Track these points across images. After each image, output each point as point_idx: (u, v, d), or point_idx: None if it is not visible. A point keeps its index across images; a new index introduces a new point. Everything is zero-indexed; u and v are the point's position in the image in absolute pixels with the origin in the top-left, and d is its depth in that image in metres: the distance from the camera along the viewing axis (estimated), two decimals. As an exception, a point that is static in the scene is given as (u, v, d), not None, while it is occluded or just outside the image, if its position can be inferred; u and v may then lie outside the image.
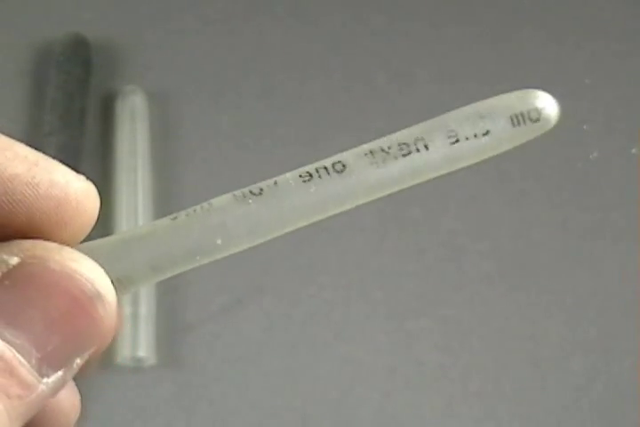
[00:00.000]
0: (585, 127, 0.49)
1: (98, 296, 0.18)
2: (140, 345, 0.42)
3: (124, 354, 0.41)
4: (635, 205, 0.47)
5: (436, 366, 0.42)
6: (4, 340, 0.16)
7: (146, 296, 0.43)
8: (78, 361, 0.18)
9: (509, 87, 0.52)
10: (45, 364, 0.17)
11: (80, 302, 0.17)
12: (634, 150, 0.48)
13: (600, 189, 0.47)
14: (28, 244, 0.18)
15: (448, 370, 0.42)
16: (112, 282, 0.18)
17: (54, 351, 0.17)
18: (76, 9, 0.51)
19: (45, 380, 0.17)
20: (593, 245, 0.45)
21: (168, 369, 0.42)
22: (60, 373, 0.17)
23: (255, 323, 0.43)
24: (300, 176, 0.19)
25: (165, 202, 0.45)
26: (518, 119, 0.20)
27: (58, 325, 0.17)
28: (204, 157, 0.47)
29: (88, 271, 0.18)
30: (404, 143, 0.19)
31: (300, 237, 0.45)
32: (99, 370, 0.42)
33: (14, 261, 0.17)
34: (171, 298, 0.43)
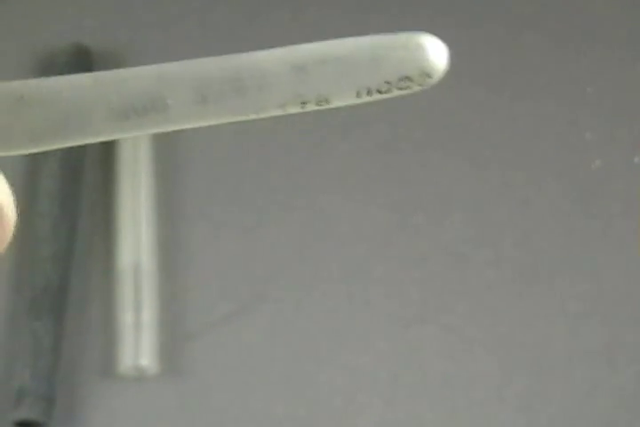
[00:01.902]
0: (587, 136, 0.49)
1: None
2: (143, 354, 0.41)
3: (125, 363, 0.41)
4: (637, 213, 0.46)
5: (439, 374, 0.42)
6: None
7: (148, 304, 0.43)
8: None
9: (510, 93, 0.52)
10: None
11: None
12: (636, 159, 0.48)
13: (603, 197, 0.47)
14: None
15: (451, 378, 0.42)
16: None
17: None
18: (78, 18, 0.52)
19: None
20: (596, 254, 0.45)
21: (170, 378, 0.42)
22: None
23: (258, 331, 0.43)
24: None
25: (168, 206, 0.45)
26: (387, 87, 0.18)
27: None
28: (206, 161, 0.47)
29: None
30: None
31: (303, 244, 0.45)
32: (100, 379, 0.42)
33: None
34: (173, 306, 0.43)
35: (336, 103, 0.18)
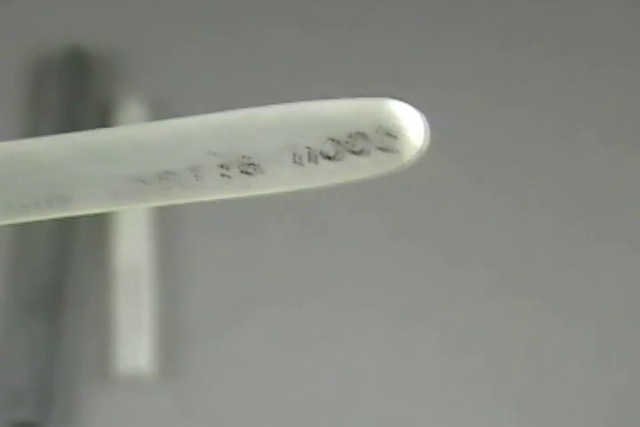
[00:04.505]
0: (584, 133, 0.49)
1: None
2: (140, 354, 0.41)
3: (123, 363, 0.41)
4: (636, 210, 0.47)
5: (436, 372, 0.42)
6: None
7: (146, 304, 0.42)
8: None
9: (506, 91, 0.52)
10: None
11: None
12: (633, 156, 0.48)
13: (599, 195, 0.47)
14: None
15: (447, 376, 0.42)
16: None
17: None
18: (75, 19, 0.51)
19: None
20: (592, 252, 0.45)
21: (168, 378, 0.42)
22: None
23: (255, 331, 0.43)
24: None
25: (166, 209, 0.45)
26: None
27: None
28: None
29: None
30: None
31: (300, 243, 0.45)
32: (98, 379, 0.42)
33: None
34: (171, 306, 0.43)
35: (268, 169, 0.14)
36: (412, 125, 0.14)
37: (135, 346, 0.42)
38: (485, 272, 0.45)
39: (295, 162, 0.14)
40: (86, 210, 0.15)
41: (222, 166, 0.14)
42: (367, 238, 0.45)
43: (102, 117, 0.48)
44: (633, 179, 0.48)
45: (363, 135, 0.13)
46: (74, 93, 0.48)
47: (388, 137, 0.14)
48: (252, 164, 0.14)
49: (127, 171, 0.14)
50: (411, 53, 0.50)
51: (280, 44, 0.51)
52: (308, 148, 0.14)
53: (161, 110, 0.48)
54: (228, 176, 0.14)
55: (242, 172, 0.14)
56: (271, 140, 0.13)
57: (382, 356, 0.43)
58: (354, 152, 0.14)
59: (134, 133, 0.15)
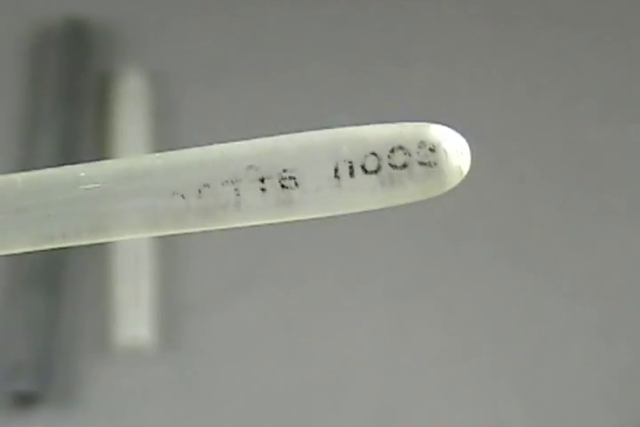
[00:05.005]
0: (583, 108, 0.48)
1: None
2: (140, 327, 0.42)
3: (123, 336, 0.41)
4: (637, 184, 0.46)
5: (436, 347, 0.42)
6: None
7: (146, 277, 0.43)
8: None
9: (507, 66, 0.52)
10: None
11: None
12: (633, 131, 0.48)
13: (599, 171, 0.47)
14: None
15: (446, 352, 0.42)
16: None
17: None
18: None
19: None
20: (594, 225, 0.45)
21: (168, 351, 0.42)
22: None
23: (255, 305, 0.43)
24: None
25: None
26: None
27: None
28: (204, 137, 0.46)
29: None
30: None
31: (301, 220, 0.45)
32: (98, 352, 0.42)
33: None
34: (171, 279, 0.43)
35: (307, 183, 0.14)
36: (454, 150, 0.14)
37: (135, 318, 0.42)
38: (486, 247, 0.45)
39: (336, 177, 0.14)
40: (126, 235, 0.15)
41: (262, 181, 0.14)
42: (367, 213, 0.45)
43: (101, 90, 0.48)
44: (632, 152, 0.47)
45: (403, 149, 0.14)
46: (73, 65, 0.48)
47: (428, 150, 0.14)
48: (293, 178, 0.14)
49: (166, 187, 0.14)
50: (409, 28, 0.50)
51: (278, 18, 0.50)
52: (350, 162, 0.14)
53: (160, 83, 0.48)
54: (267, 190, 0.14)
55: (282, 186, 0.14)
56: (312, 155, 0.14)
57: (382, 329, 0.43)
58: (395, 166, 0.14)
59: (173, 155, 0.15)
